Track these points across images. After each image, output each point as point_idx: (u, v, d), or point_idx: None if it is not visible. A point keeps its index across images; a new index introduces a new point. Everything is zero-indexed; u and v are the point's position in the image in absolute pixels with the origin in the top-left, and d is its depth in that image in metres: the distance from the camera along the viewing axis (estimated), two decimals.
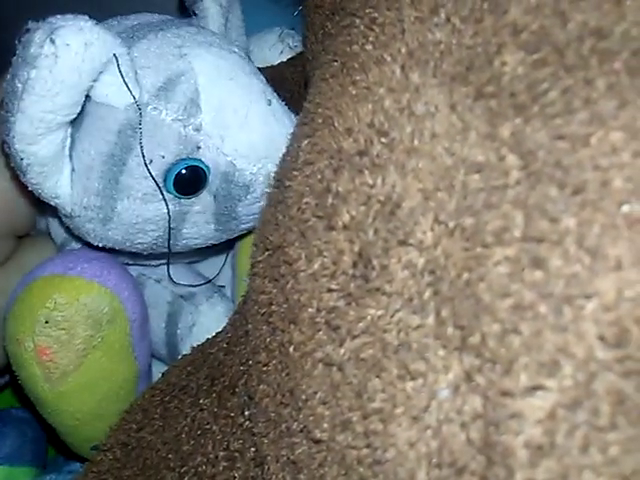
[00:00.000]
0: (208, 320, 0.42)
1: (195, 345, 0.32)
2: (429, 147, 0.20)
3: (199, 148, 0.33)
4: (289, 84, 0.48)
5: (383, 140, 0.21)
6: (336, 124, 0.24)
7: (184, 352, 0.42)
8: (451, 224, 0.18)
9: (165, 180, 0.33)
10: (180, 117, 0.32)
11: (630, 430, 0.14)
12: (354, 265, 0.20)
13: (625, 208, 0.15)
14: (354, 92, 0.24)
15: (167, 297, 0.42)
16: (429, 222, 0.18)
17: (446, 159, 0.19)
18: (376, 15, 0.25)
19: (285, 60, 0.50)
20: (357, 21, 0.26)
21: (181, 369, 0.29)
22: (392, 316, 0.18)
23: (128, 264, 0.41)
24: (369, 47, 0.24)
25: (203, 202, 0.34)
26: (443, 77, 0.20)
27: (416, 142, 0.20)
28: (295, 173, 0.25)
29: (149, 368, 0.40)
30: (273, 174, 0.30)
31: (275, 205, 0.27)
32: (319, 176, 0.23)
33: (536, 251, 0.16)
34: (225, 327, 0.31)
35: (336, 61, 0.27)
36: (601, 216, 0.16)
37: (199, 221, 0.35)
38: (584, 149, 0.16)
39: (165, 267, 0.42)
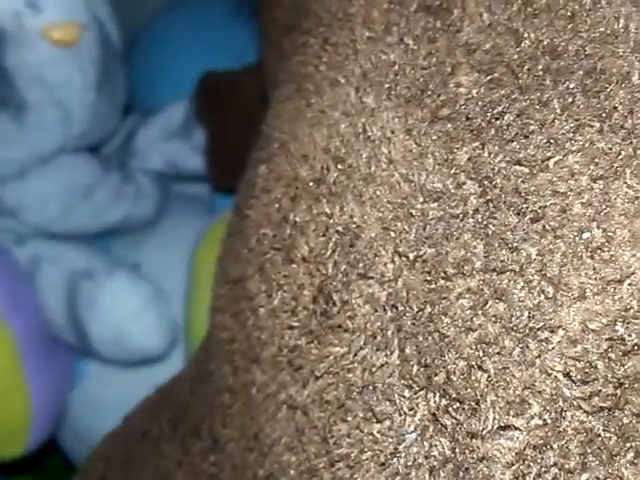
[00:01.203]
0: (111, 295, 0.42)
1: (157, 387, 0.30)
2: (386, 174, 0.19)
3: None
4: (247, 94, 0.48)
5: (340, 166, 0.20)
6: (292, 149, 0.23)
7: (93, 334, 0.41)
8: (411, 255, 0.17)
9: None
10: None
11: (601, 471, 0.14)
12: (314, 300, 0.19)
13: (586, 235, 0.15)
14: (309, 115, 0.23)
15: (63, 277, 0.42)
16: (389, 254, 0.18)
17: (404, 186, 0.18)
18: (329, 35, 0.24)
19: (244, 68, 0.49)
20: (311, 40, 0.26)
21: (143, 412, 0.28)
22: (355, 354, 0.17)
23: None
24: (323, 68, 0.24)
25: None
26: (398, 100, 0.20)
27: (373, 168, 0.19)
28: (253, 201, 0.25)
29: (50, 351, 0.39)
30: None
31: (234, 235, 0.26)
32: (276, 205, 0.22)
33: (498, 282, 0.15)
34: (188, 365, 0.30)
35: (291, 82, 0.26)
36: (562, 244, 0.15)
37: None
38: (542, 174, 0.16)
39: (59, 246, 0.42)
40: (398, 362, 0.17)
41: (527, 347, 0.15)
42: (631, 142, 0.15)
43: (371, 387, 0.17)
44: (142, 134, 0.51)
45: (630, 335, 0.14)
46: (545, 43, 0.17)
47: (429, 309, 0.16)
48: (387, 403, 0.16)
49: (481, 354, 0.15)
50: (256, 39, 0.48)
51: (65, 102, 0.41)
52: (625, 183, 0.15)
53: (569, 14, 0.17)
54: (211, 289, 0.28)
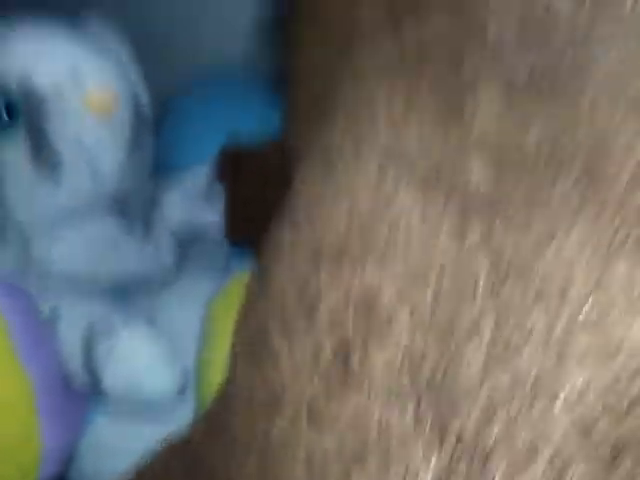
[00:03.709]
0: (126, 346, 0.43)
1: (164, 440, 0.31)
2: (404, 244, 0.21)
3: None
4: (264, 162, 0.50)
5: (361, 235, 0.23)
6: (317, 216, 0.25)
7: (107, 380, 0.42)
8: (426, 322, 0.19)
9: None
10: None
11: None
12: (334, 357, 0.21)
13: (584, 311, 0.17)
14: (333, 190, 0.25)
15: (82, 327, 0.44)
16: (405, 319, 0.19)
17: (419, 259, 0.20)
18: (354, 119, 0.27)
19: (265, 139, 0.52)
20: (338, 122, 0.28)
21: (155, 464, 0.29)
22: (373, 410, 0.19)
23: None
24: (348, 144, 0.26)
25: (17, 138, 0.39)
26: (415, 182, 0.22)
27: (392, 240, 0.21)
28: (276, 263, 0.26)
29: (65, 397, 0.40)
30: None
31: (257, 292, 0.28)
32: (300, 268, 0.24)
33: (505, 350, 0.17)
34: (201, 418, 0.31)
35: (317, 154, 0.29)
36: (563, 318, 0.17)
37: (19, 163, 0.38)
38: (546, 252, 0.18)
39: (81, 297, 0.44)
40: (413, 417, 0.18)
41: (531, 410, 0.16)
42: (624, 230, 0.17)
43: (387, 441, 0.18)
44: (166, 194, 0.54)
45: (620, 403, 0.16)
46: (547, 140, 0.20)
47: (441, 372, 0.18)
48: (402, 455, 0.18)
49: (490, 415, 0.17)
50: (277, 111, 0.52)
51: (97, 163, 0.44)
52: (619, 266, 0.17)
53: (567, 117, 0.20)
54: (231, 341, 0.29)
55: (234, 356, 0.29)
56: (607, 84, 0.20)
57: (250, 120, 0.58)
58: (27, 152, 0.42)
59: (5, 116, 0.41)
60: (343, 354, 0.21)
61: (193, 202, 0.54)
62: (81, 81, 0.42)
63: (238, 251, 0.54)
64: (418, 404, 0.19)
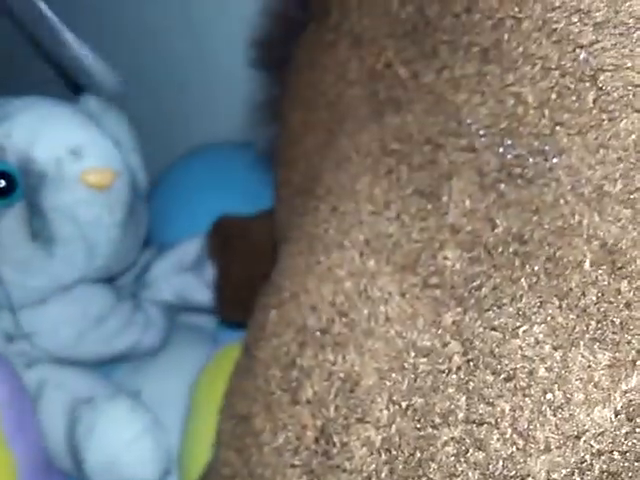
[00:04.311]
0: (109, 422, 0.42)
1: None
2: (383, 330, 0.22)
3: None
4: (255, 238, 0.52)
5: (343, 320, 0.24)
6: (302, 300, 0.26)
7: (88, 460, 0.42)
8: (404, 404, 0.20)
9: None
10: None
11: None
12: (316, 441, 0.21)
13: (549, 396, 0.18)
14: (318, 272, 0.27)
15: (65, 403, 0.43)
16: (385, 401, 0.20)
17: (398, 342, 0.21)
18: (338, 204, 0.28)
19: (256, 215, 0.54)
20: (321, 206, 0.30)
21: None
22: None
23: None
24: (331, 232, 0.28)
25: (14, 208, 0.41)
26: (395, 266, 0.23)
27: (372, 324, 0.22)
28: (262, 343, 0.27)
29: (46, 476, 0.39)
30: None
31: (242, 373, 0.28)
32: (285, 349, 0.25)
33: (477, 433, 0.18)
34: None
35: (302, 239, 0.30)
36: (530, 402, 0.18)
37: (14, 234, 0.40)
38: (513, 340, 0.19)
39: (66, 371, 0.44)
40: None
41: None
42: (584, 319, 0.18)
43: None
44: (156, 267, 0.55)
45: None
46: (514, 230, 0.21)
47: (418, 454, 0.19)
48: None
49: None
50: (268, 187, 0.53)
51: (92, 238, 0.45)
52: (580, 353, 0.18)
53: (534, 208, 0.21)
54: (216, 423, 0.30)
55: (218, 438, 0.29)
56: (570, 176, 0.21)
57: (243, 196, 0.59)
58: (23, 222, 0.43)
59: (3, 185, 0.43)
60: (325, 436, 0.21)
61: (183, 275, 0.55)
62: (80, 157, 0.44)
63: (226, 324, 0.54)
64: None
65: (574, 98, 0.21)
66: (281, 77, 0.44)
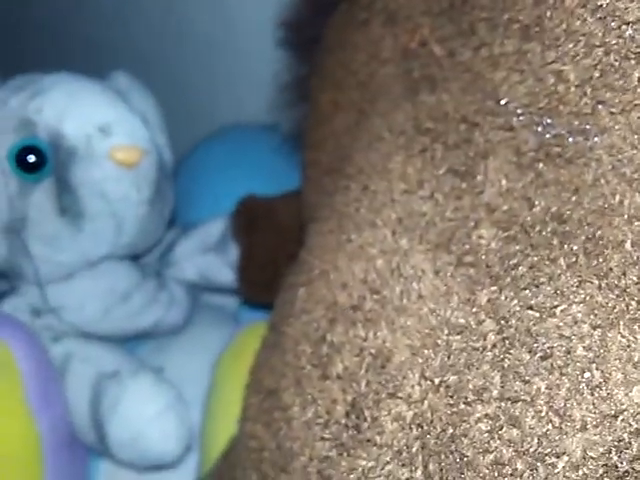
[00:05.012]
0: (133, 398, 0.43)
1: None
2: (416, 307, 0.22)
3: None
4: (280, 219, 0.52)
5: (375, 297, 0.24)
6: (332, 278, 0.26)
7: (111, 434, 0.42)
8: (436, 380, 0.20)
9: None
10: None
11: None
12: (347, 415, 0.21)
13: (587, 375, 0.18)
14: (349, 249, 0.27)
15: (91, 377, 0.44)
16: (417, 377, 0.20)
17: (431, 319, 0.21)
18: (369, 183, 0.28)
19: (281, 195, 0.54)
20: (352, 185, 0.30)
21: None
22: (382, 468, 0.19)
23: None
24: (363, 210, 0.28)
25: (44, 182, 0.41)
26: (428, 244, 0.23)
27: (405, 301, 0.22)
28: (291, 320, 0.27)
29: (70, 450, 0.40)
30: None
31: (270, 349, 0.29)
32: (315, 325, 0.25)
33: (512, 410, 0.18)
34: (209, 474, 0.31)
35: (332, 218, 0.30)
36: (567, 380, 0.18)
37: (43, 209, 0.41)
38: (550, 319, 0.19)
39: (91, 346, 0.45)
40: (422, 478, 0.19)
41: (536, 470, 0.17)
42: (624, 299, 0.18)
43: None
44: (180, 246, 0.55)
45: (622, 463, 0.16)
46: (553, 210, 0.21)
47: (451, 430, 0.19)
48: None
49: (496, 474, 0.17)
50: (292, 167, 0.53)
51: (120, 215, 0.45)
52: (619, 333, 0.18)
53: (574, 188, 0.21)
54: (242, 398, 0.30)
55: (245, 412, 0.29)
56: (611, 155, 0.21)
57: (268, 176, 0.59)
58: (53, 197, 0.44)
59: (34, 160, 0.43)
60: (356, 411, 0.21)
61: (206, 255, 0.55)
62: (108, 135, 0.44)
63: (248, 304, 0.55)
64: (427, 464, 0.19)
65: (618, 76, 0.20)
66: (309, 57, 0.43)
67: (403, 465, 0.19)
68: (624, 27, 0.20)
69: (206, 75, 0.75)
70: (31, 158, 0.43)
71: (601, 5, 0.20)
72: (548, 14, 0.23)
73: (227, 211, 0.54)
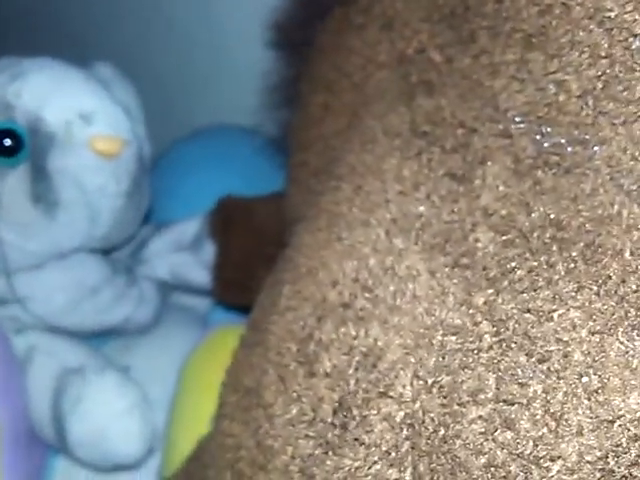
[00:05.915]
0: (97, 394, 0.42)
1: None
2: (410, 306, 0.22)
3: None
4: (257, 220, 0.51)
5: (367, 295, 0.23)
6: (321, 275, 0.26)
7: (72, 432, 0.41)
8: (430, 380, 0.19)
9: None
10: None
11: None
12: (334, 413, 0.21)
13: (584, 379, 0.17)
14: (339, 248, 0.26)
15: (54, 371, 0.43)
16: (409, 377, 0.20)
17: (426, 319, 0.21)
18: (362, 183, 0.28)
19: (259, 196, 0.53)
20: (343, 185, 0.29)
21: None
22: (369, 468, 0.19)
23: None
24: (355, 210, 0.27)
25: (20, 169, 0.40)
26: (424, 245, 0.23)
27: (398, 301, 0.22)
28: (275, 317, 0.27)
29: (28, 445, 0.38)
30: None
31: (249, 347, 0.28)
32: (301, 323, 0.25)
33: (507, 413, 0.18)
34: (176, 476, 0.30)
35: (321, 217, 0.30)
36: (564, 384, 0.18)
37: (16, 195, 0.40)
38: (548, 323, 0.19)
39: (56, 340, 0.43)
40: (411, 478, 0.18)
41: (530, 473, 0.17)
42: (623, 306, 0.18)
43: None
44: (153, 243, 0.54)
45: (619, 468, 0.16)
46: (552, 216, 0.21)
47: (443, 431, 0.18)
48: None
49: (489, 476, 0.17)
50: (268, 169, 0.53)
51: (95, 206, 0.44)
52: (618, 339, 0.18)
53: (572, 196, 0.21)
54: (219, 395, 0.29)
55: (220, 410, 0.28)
56: (610, 166, 0.21)
57: (243, 178, 0.59)
58: (27, 184, 0.42)
59: (10, 143, 0.42)
60: (344, 409, 0.21)
61: (179, 253, 0.54)
62: (90, 123, 0.43)
63: (220, 304, 0.54)
64: (417, 465, 0.19)
65: (622, 87, 0.20)
66: (299, 60, 0.43)
67: (392, 465, 0.19)
68: (631, 39, 0.20)
69: (187, 75, 0.74)
70: (7, 142, 0.42)
71: (609, 17, 0.21)
72: (553, 24, 0.23)
73: (200, 212, 0.54)
